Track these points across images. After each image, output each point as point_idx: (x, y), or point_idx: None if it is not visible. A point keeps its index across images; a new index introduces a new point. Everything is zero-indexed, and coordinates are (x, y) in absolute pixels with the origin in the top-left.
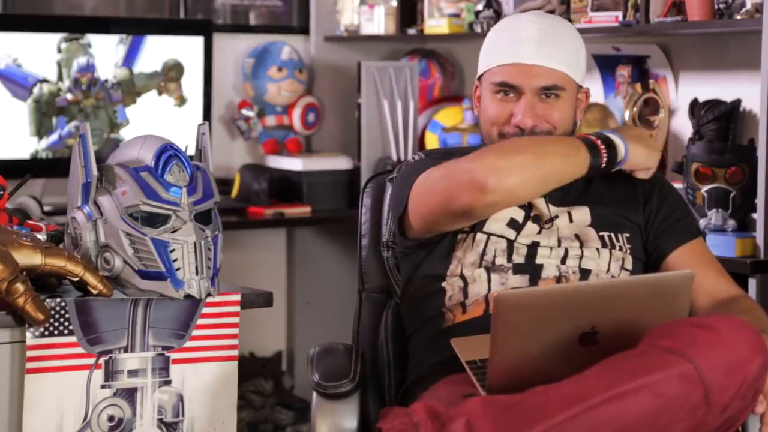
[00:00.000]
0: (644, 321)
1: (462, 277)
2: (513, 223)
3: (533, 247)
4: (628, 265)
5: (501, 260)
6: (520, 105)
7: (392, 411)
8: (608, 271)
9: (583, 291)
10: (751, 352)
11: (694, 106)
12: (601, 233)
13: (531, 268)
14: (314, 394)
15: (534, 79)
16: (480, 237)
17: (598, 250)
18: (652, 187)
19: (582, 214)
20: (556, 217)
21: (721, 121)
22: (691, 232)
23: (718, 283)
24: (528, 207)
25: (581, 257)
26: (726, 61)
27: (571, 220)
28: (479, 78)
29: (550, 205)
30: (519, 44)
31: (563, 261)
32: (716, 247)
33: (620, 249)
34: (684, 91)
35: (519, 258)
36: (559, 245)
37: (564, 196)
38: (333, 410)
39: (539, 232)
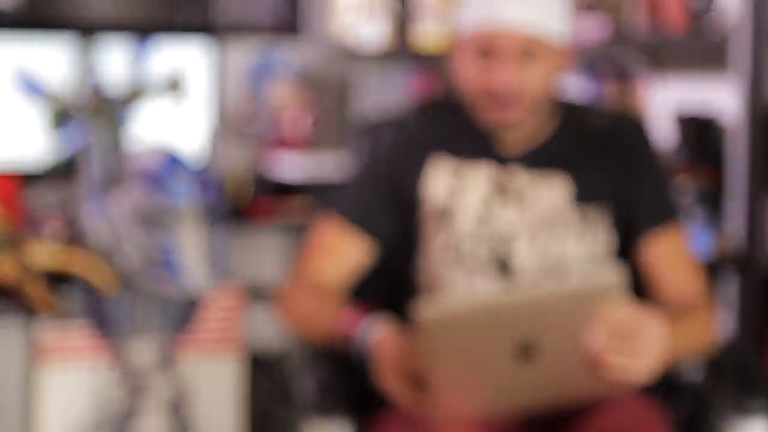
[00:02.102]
0: (579, 328)
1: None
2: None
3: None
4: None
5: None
6: (503, 68)
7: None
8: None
9: (508, 305)
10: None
11: (674, 111)
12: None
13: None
14: (310, 398)
15: (513, 38)
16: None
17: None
18: (639, 158)
19: (559, 183)
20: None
21: (700, 125)
22: (665, 216)
23: (685, 284)
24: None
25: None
26: (704, 67)
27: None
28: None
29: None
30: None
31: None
32: (693, 246)
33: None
34: (663, 96)
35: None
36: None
37: (538, 157)
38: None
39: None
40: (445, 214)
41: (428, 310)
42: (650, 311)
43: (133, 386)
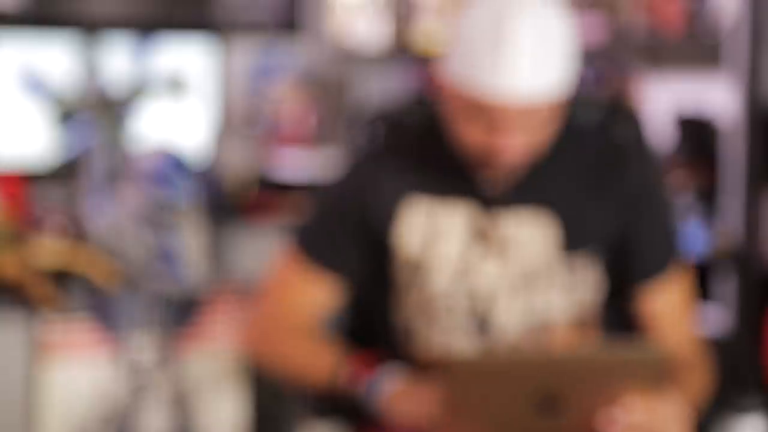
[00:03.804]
0: (607, 397)
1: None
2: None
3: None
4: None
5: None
6: (508, 136)
7: None
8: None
9: (543, 361)
10: None
11: (671, 110)
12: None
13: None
14: (306, 398)
15: (520, 111)
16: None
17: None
18: (639, 189)
19: (545, 224)
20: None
21: (698, 124)
22: (665, 262)
23: (685, 337)
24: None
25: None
26: (701, 67)
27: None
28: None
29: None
30: (507, 62)
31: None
32: (691, 244)
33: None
34: (660, 96)
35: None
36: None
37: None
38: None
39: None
40: (419, 269)
41: (461, 354)
42: (675, 407)
43: (135, 383)
